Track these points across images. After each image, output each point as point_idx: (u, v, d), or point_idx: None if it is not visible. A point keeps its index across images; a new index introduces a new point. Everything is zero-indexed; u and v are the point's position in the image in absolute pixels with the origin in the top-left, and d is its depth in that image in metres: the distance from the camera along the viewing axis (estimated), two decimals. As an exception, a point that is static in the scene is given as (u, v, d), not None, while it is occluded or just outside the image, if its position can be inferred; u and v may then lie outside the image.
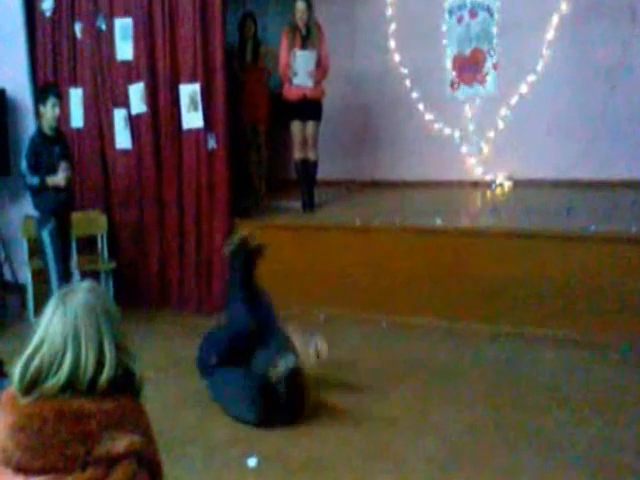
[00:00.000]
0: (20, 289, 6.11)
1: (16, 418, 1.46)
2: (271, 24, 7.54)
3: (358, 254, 5.39)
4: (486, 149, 7.07)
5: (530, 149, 6.68)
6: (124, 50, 5.96)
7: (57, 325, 1.53)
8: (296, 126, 6.06)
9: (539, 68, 6.71)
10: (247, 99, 6.59)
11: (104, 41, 6.04)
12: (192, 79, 5.70)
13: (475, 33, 7.04)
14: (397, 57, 7.32)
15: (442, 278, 5.08)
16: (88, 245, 6.08)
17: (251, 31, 6.68)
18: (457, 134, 7.17)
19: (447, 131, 7.19)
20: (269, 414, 3.60)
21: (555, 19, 6.58)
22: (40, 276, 5.36)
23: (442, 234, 5.20)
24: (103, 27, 6.03)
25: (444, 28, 7.14)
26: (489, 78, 7.02)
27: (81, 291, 1.60)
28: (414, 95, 7.26)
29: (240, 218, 5.89)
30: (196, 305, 5.88)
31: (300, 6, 5.87)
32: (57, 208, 5.00)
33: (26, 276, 5.86)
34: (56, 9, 6.24)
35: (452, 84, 7.18)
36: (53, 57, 6.32)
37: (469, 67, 7.10)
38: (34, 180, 4.85)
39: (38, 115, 5.14)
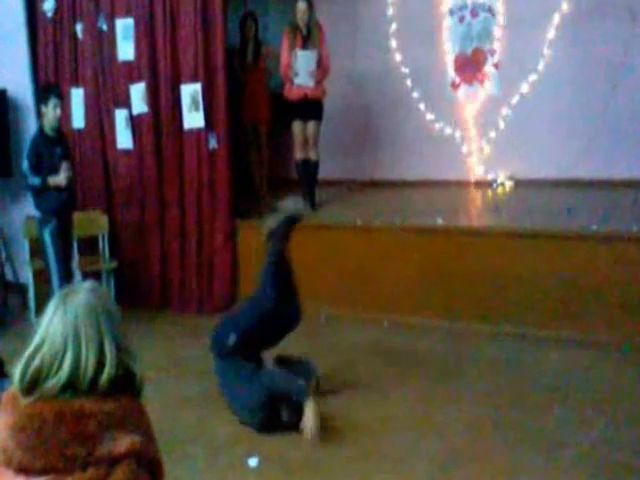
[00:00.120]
0: (21, 289, 6.12)
1: (17, 418, 1.46)
2: (272, 24, 7.54)
3: (359, 253, 5.40)
4: (487, 149, 7.07)
5: (531, 148, 6.67)
6: (125, 50, 5.96)
7: (57, 325, 1.53)
8: (297, 126, 6.06)
9: (540, 68, 6.71)
10: (248, 99, 6.60)
11: (105, 41, 6.05)
12: (193, 79, 5.70)
13: (476, 33, 7.03)
14: (398, 57, 7.32)
15: (443, 278, 5.08)
16: (89, 245, 6.08)
17: (252, 31, 6.68)
18: (458, 134, 7.17)
19: (448, 131, 7.19)
20: (270, 426, 3.59)
21: (556, 18, 6.58)
22: (41, 276, 5.36)
23: (443, 234, 5.20)
24: (104, 27, 6.04)
25: (445, 28, 7.14)
26: (490, 78, 7.02)
27: (82, 291, 1.61)
28: (415, 95, 7.26)
29: (241, 218, 5.90)
30: (197, 305, 5.89)
31: (301, 6, 5.87)
32: (58, 208, 5.00)
33: (27, 276, 5.87)
34: (57, 9, 6.25)
35: (453, 84, 7.18)
36: (54, 57, 6.33)
37: (470, 67, 7.10)
38: (35, 180, 4.86)
39: (39, 115, 5.14)
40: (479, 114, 7.09)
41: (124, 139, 6.04)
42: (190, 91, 5.71)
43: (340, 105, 7.06)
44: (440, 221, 5.27)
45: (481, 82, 7.06)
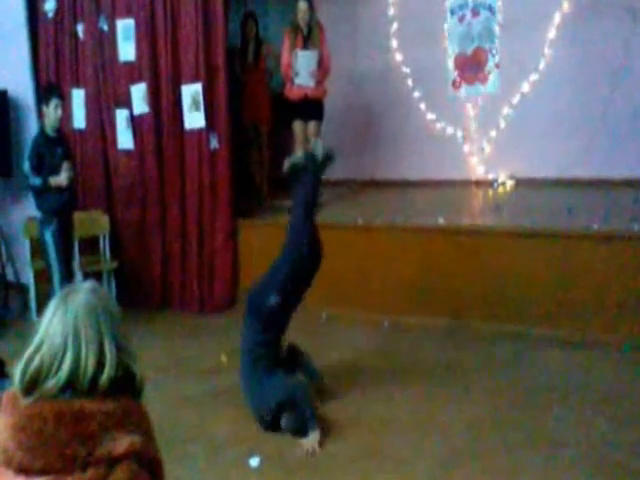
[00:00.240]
0: (22, 289, 6.13)
1: (17, 419, 1.47)
2: (272, 24, 7.55)
3: (360, 253, 5.40)
4: (488, 148, 7.07)
5: (531, 148, 6.67)
6: (126, 51, 5.98)
7: (57, 325, 1.53)
8: (298, 126, 6.07)
9: (541, 67, 6.71)
10: (249, 99, 6.60)
11: (106, 42, 6.06)
12: (194, 79, 5.71)
13: (477, 32, 7.03)
14: (399, 56, 7.32)
15: (443, 277, 5.08)
16: (90, 245, 6.09)
17: (253, 31, 6.69)
18: (459, 133, 7.17)
19: (449, 130, 7.19)
20: (272, 429, 3.61)
21: (557, 18, 6.58)
22: (42, 276, 5.38)
23: (444, 233, 5.20)
24: (105, 28, 6.05)
25: (446, 27, 7.13)
26: (491, 77, 7.01)
27: (82, 291, 1.61)
28: (416, 94, 7.26)
29: (242, 218, 5.90)
30: (198, 305, 5.89)
31: (302, 6, 5.88)
32: (60, 208, 5.01)
33: (28, 276, 5.88)
34: (58, 10, 6.27)
35: (454, 83, 7.18)
36: (55, 58, 6.34)
37: (471, 66, 7.09)
38: (37, 181, 4.86)
39: (40, 116, 5.15)
40: (480, 113, 7.09)
41: (125, 139, 6.05)
42: (191, 91, 5.72)
43: (341, 105, 7.07)
44: (441, 221, 5.27)
45: (482, 81, 7.06)
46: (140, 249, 6.09)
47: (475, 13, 7.00)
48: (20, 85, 6.42)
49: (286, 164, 4.15)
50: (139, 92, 5.92)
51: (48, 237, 4.98)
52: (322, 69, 5.97)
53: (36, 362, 1.50)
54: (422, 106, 7.25)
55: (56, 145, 4.97)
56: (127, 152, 6.06)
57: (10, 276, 6.25)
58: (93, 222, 5.99)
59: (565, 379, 4.08)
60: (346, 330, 5.12)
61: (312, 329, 4.95)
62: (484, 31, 6.98)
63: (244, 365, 3.75)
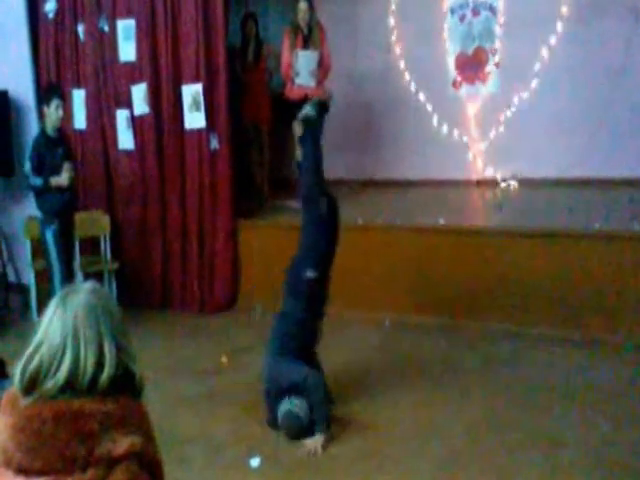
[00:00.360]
0: (23, 289, 6.14)
1: (16, 419, 1.47)
2: (272, 24, 7.55)
3: (360, 253, 5.40)
4: (488, 148, 7.07)
5: (532, 148, 6.67)
6: (126, 51, 5.98)
7: (57, 325, 1.53)
8: (298, 126, 6.06)
9: (541, 67, 6.70)
10: (249, 99, 6.60)
11: (107, 42, 6.06)
12: (194, 79, 5.71)
13: (477, 32, 7.03)
14: (399, 56, 7.32)
15: (445, 277, 5.08)
16: (91, 246, 6.10)
17: (253, 31, 6.69)
18: (459, 133, 7.17)
19: (449, 130, 7.19)
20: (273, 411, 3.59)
21: (557, 18, 6.57)
22: (43, 276, 5.38)
23: (444, 233, 5.20)
24: (106, 28, 6.05)
25: (446, 27, 7.14)
26: (491, 77, 7.02)
27: (82, 292, 1.61)
28: (416, 94, 7.26)
29: (243, 218, 5.91)
30: (198, 305, 5.90)
31: (302, 6, 5.88)
32: (60, 209, 5.01)
33: (29, 276, 5.88)
34: (59, 10, 6.27)
35: (454, 83, 7.18)
36: (56, 58, 6.35)
37: (471, 66, 7.10)
38: (37, 181, 4.87)
39: (41, 116, 5.16)
40: (480, 113, 7.09)
41: (125, 139, 6.05)
42: (191, 91, 5.72)
43: (341, 105, 7.04)
44: (441, 220, 5.27)
45: (482, 81, 7.06)
46: (140, 249, 6.09)
47: (475, 13, 7.00)
48: (21, 85, 6.42)
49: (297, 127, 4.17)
50: (139, 92, 5.92)
51: (49, 237, 4.98)
52: (322, 69, 5.97)
53: (35, 362, 1.50)
54: (422, 106, 7.25)
55: (57, 145, 4.97)
56: (128, 152, 6.07)
57: (11, 276, 6.26)
58: (94, 222, 5.99)
59: (565, 379, 4.08)
60: (346, 330, 5.11)
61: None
62: (485, 31, 6.99)
63: (274, 341, 3.69)
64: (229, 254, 5.82)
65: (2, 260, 6.22)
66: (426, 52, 7.11)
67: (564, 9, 6.54)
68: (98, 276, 5.75)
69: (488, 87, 7.04)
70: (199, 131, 5.76)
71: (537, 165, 6.66)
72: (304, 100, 5.95)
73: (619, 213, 5.16)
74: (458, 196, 6.68)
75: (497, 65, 6.95)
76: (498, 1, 6.88)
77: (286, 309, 3.81)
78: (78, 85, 6.25)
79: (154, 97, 5.88)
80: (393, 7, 7.29)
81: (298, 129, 6.08)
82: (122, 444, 1.48)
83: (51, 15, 6.29)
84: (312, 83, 5.91)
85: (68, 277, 5.01)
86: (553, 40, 6.63)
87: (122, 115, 6.03)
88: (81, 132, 6.28)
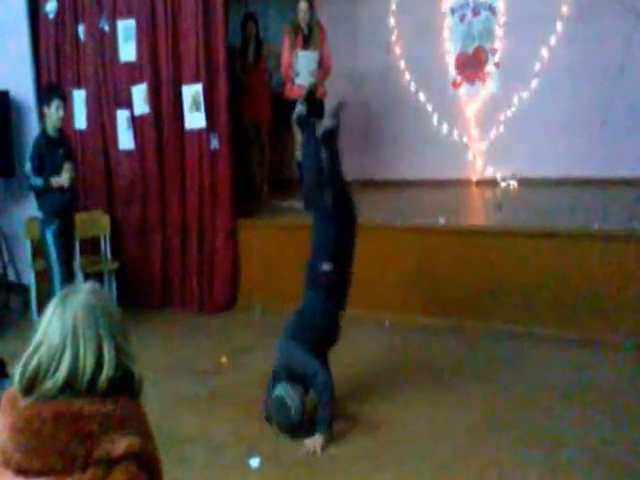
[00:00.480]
0: (23, 290, 6.14)
1: (15, 420, 1.47)
2: (272, 24, 7.55)
3: (360, 253, 5.37)
4: (488, 147, 7.07)
5: (532, 147, 6.67)
6: (127, 51, 5.98)
7: (56, 325, 1.54)
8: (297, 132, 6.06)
9: (541, 66, 6.71)
10: (249, 99, 6.61)
11: (107, 42, 6.07)
12: (195, 79, 5.72)
13: (477, 31, 7.04)
14: (399, 56, 7.32)
15: (445, 277, 5.08)
16: (91, 246, 6.10)
17: (253, 31, 6.70)
18: (459, 133, 7.17)
19: (449, 130, 7.19)
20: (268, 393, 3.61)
21: (557, 17, 6.58)
22: (43, 277, 5.38)
23: (444, 233, 5.20)
24: (106, 28, 6.06)
25: (446, 27, 7.14)
26: (491, 77, 7.02)
27: (82, 292, 1.61)
28: (416, 94, 7.26)
29: (243, 218, 5.91)
30: (198, 305, 5.90)
31: (302, 6, 5.89)
32: (61, 209, 5.01)
33: (29, 277, 5.89)
34: (59, 11, 6.27)
35: (454, 83, 7.18)
36: (56, 58, 6.35)
37: (471, 65, 7.10)
38: (38, 181, 4.87)
39: (42, 116, 5.16)
40: (480, 113, 7.10)
41: (126, 140, 6.06)
42: (191, 91, 5.72)
43: (341, 105, 7.06)
44: (441, 220, 5.27)
45: (482, 81, 7.07)
46: (141, 249, 6.09)
47: (475, 12, 7.00)
48: (21, 86, 6.43)
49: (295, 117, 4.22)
50: (140, 92, 5.93)
51: (49, 237, 4.98)
52: (323, 69, 5.97)
53: (34, 362, 1.50)
54: (422, 105, 7.25)
55: (57, 146, 4.97)
56: (128, 152, 6.07)
57: (11, 276, 6.26)
58: (94, 223, 5.99)
59: (565, 379, 4.07)
60: (347, 330, 5.09)
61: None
62: (485, 30, 6.99)
63: (292, 330, 3.68)
64: (229, 254, 5.82)
65: (2, 260, 6.22)
66: (426, 52, 7.11)
67: (564, 9, 6.55)
68: (98, 276, 5.75)
69: (488, 87, 7.04)
70: (199, 131, 5.76)
71: (537, 165, 6.67)
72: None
73: (619, 213, 5.15)
74: (458, 196, 6.68)
75: (497, 65, 6.95)
76: (498, 1, 6.88)
77: (306, 302, 3.81)
78: (78, 85, 6.26)
79: (154, 97, 5.89)
80: (393, 7, 7.30)
81: (298, 135, 6.09)
82: (121, 445, 1.49)
83: (51, 15, 6.30)
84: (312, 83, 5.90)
85: (68, 277, 5.01)
86: (553, 40, 6.63)
87: (122, 115, 6.03)
88: (81, 132, 6.28)
